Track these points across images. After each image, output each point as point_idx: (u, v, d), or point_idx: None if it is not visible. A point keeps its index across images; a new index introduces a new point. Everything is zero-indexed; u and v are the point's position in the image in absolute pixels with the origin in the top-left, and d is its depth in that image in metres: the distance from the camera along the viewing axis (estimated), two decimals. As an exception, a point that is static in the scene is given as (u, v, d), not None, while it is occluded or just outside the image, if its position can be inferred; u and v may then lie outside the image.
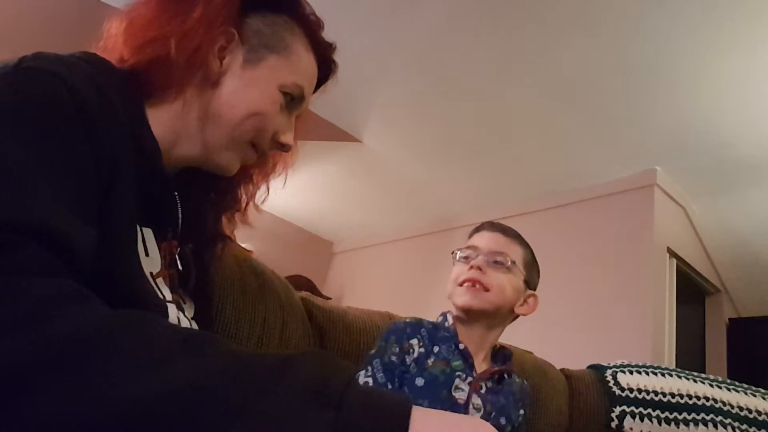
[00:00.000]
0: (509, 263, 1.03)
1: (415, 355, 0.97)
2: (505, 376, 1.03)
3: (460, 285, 1.02)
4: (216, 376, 0.39)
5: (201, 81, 0.67)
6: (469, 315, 1.02)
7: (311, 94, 0.79)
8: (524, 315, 1.08)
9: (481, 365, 1.01)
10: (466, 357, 0.99)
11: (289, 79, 0.71)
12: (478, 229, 1.11)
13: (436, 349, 0.99)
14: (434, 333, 1.02)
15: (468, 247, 1.07)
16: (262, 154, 0.74)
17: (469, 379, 0.96)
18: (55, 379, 0.35)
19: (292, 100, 0.73)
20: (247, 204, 0.82)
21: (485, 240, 1.06)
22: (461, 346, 1.00)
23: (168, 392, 0.36)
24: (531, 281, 1.08)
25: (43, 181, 0.45)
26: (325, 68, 0.80)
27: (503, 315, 1.05)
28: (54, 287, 0.39)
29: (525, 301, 1.07)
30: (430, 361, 0.97)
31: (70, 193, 0.47)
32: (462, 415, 0.47)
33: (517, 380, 1.06)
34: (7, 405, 0.34)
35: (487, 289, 1.01)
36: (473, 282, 1.01)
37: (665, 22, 2.22)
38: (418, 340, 0.99)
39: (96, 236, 0.49)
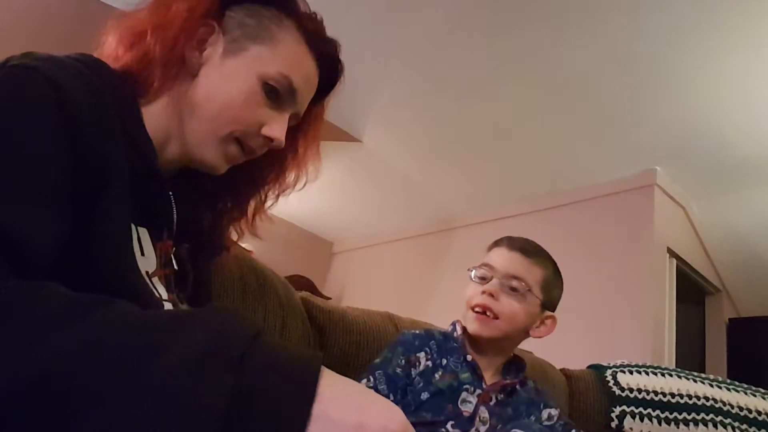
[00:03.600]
0: (525, 290, 0.98)
1: (421, 368, 0.95)
2: (517, 387, 0.99)
3: (472, 309, 0.99)
4: (106, 340, 0.37)
5: (183, 75, 0.66)
6: (479, 341, 1.00)
7: (309, 94, 0.75)
8: (540, 337, 1.04)
9: (491, 378, 0.99)
10: (474, 369, 0.97)
11: (272, 69, 0.67)
12: (497, 244, 1.06)
13: (444, 361, 0.97)
14: (444, 344, 1.00)
15: (483, 266, 1.02)
16: (253, 152, 0.71)
17: (478, 391, 0.94)
18: None
19: (278, 93, 0.69)
20: (255, 214, 0.80)
21: (502, 260, 1.01)
22: (469, 358, 0.98)
23: (55, 359, 0.35)
24: (549, 303, 1.03)
25: (9, 190, 0.45)
26: (329, 67, 0.76)
27: (515, 339, 1.02)
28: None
29: (542, 322, 1.03)
30: (437, 375, 0.95)
31: (33, 192, 0.47)
32: (374, 393, 0.44)
33: (532, 385, 1.03)
34: None
35: (497, 317, 0.97)
36: (484, 309, 0.98)
37: (666, 22, 2.22)
38: (426, 353, 0.97)
39: (61, 233, 0.49)
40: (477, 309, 0.98)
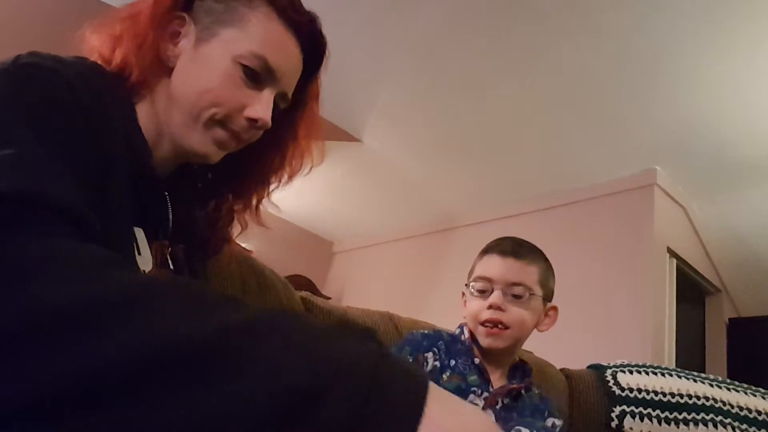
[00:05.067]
0: (527, 295, 0.99)
1: (429, 368, 0.96)
2: (522, 392, 1.00)
3: (482, 324, 0.99)
4: (259, 316, 0.38)
5: (162, 71, 0.66)
6: (491, 353, 1.00)
7: (292, 70, 0.72)
8: (546, 330, 1.05)
9: (498, 380, 0.99)
10: (482, 372, 0.97)
11: (244, 49, 0.66)
12: (487, 252, 1.05)
13: (452, 362, 0.97)
14: (452, 345, 1.00)
15: (481, 278, 1.02)
16: (238, 135, 0.69)
17: (485, 394, 0.94)
18: (113, 323, 0.34)
19: (255, 72, 0.67)
20: (258, 204, 0.80)
21: (498, 270, 1.01)
22: (477, 361, 0.98)
23: (220, 328, 0.36)
24: (549, 294, 1.04)
25: (57, 170, 0.46)
26: (312, 42, 0.74)
27: (524, 340, 1.03)
28: (101, 251, 0.40)
29: (546, 315, 1.04)
30: (445, 376, 0.95)
31: (77, 185, 0.48)
32: (474, 409, 0.44)
33: (536, 392, 1.03)
34: (56, 347, 0.33)
35: (507, 327, 0.98)
36: (494, 323, 0.98)
37: (666, 21, 2.22)
38: (434, 354, 0.97)
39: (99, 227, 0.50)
40: (487, 324, 0.98)
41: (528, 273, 1.01)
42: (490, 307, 0.98)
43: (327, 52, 0.76)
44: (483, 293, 1.01)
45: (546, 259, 1.07)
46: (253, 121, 0.68)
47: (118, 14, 0.66)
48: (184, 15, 0.67)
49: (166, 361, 0.33)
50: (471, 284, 1.03)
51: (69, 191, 0.45)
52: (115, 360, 0.33)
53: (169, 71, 0.67)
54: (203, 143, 0.67)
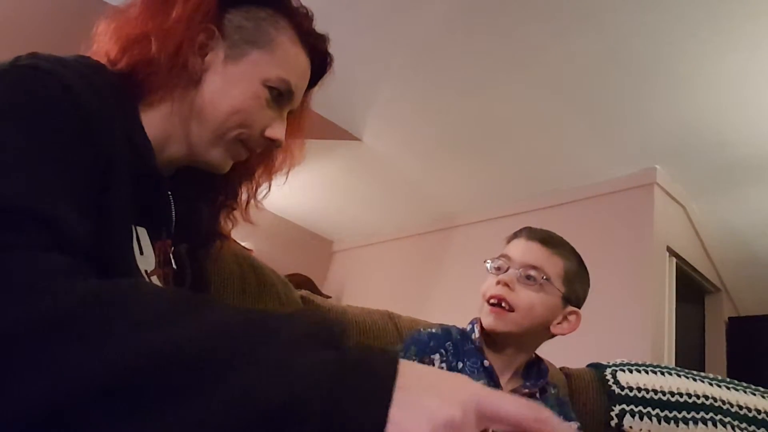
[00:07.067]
0: (542, 280, 0.93)
1: None
2: (537, 395, 0.95)
3: (487, 302, 0.94)
4: (220, 328, 0.38)
5: (185, 80, 0.67)
6: (495, 337, 0.94)
7: (304, 89, 0.77)
8: (562, 335, 0.98)
9: (508, 383, 0.94)
10: (491, 375, 0.92)
11: (273, 73, 0.70)
12: (516, 235, 1.01)
13: (459, 365, 0.93)
14: (461, 345, 0.95)
15: (501, 257, 0.97)
16: (253, 150, 0.73)
17: None
18: (63, 340, 0.35)
19: (280, 95, 0.71)
20: (248, 202, 0.81)
21: (520, 250, 0.96)
22: (486, 364, 0.93)
23: (181, 341, 0.36)
24: (572, 297, 0.98)
25: (43, 172, 0.46)
26: (320, 61, 0.78)
27: (534, 335, 0.96)
28: (55, 261, 0.40)
29: (565, 318, 0.97)
30: None
31: (67, 186, 0.48)
32: (449, 375, 0.44)
33: (553, 392, 0.99)
34: (6, 369, 0.34)
35: (512, 309, 0.92)
36: (499, 300, 0.93)
37: (666, 21, 2.22)
38: (441, 355, 0.93)
39: (91, 229, 0.50)
40: (492, 301, 0.94)
41: (550, 261, 0.96)
42: (499, 283, 0.94)
43: (330, 70, 0.81)
44: (498, 270, 0.96)
45: (580, 261, 1.01)
46: (271, 141, 0.72)
47: (141, 15, 0.65)
48: (213, 28, 0.68)
49: (122, 380, 0.34)
50: (490, 261, 0.99)
51: (51, 198, 0.45)
52: (69, 378, 0.33)
53: (193, 82, 0.67)
54: (222, 158, 0.71)
